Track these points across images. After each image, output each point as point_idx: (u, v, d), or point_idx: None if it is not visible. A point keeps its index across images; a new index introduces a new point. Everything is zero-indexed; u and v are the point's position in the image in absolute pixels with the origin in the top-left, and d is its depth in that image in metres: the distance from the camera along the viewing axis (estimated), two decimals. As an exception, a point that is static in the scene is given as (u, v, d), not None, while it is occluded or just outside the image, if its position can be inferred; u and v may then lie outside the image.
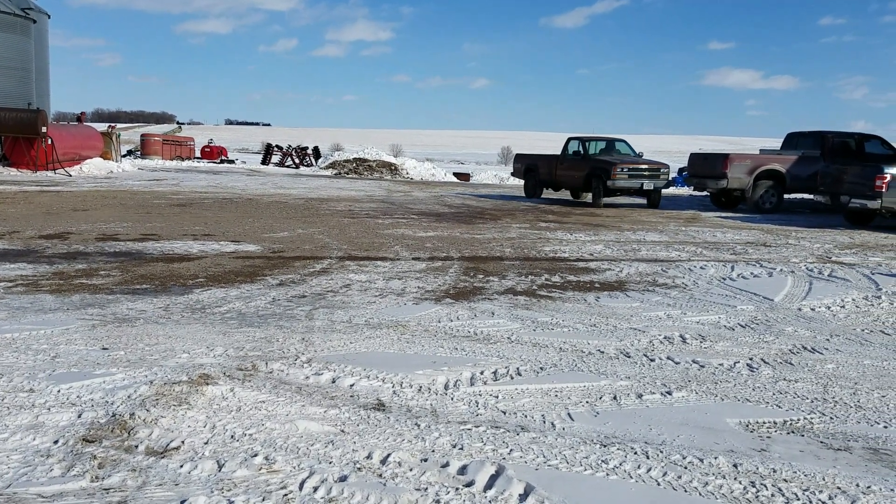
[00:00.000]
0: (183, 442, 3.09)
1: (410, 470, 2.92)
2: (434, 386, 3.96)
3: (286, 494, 2.68)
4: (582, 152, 18.29)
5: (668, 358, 4.66)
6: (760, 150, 19.68)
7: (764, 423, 3.60)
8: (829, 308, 6.32)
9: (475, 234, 11.09)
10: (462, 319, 5.50)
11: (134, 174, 24.14)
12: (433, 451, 3.12)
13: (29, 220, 10.81)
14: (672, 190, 29.57)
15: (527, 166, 20.67)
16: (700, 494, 2.81)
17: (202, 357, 4.30)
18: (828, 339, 5.27)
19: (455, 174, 33.00)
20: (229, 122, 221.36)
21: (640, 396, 3.91)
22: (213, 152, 40.79)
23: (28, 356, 4.19)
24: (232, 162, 39.33)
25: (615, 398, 3.88)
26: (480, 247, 9.61)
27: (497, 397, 3.83)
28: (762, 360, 4.69)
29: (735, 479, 2.94)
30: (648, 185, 17.16)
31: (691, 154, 19.39)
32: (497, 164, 70.47)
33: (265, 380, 3.93)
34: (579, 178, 18.02)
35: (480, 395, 3.86)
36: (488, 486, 2.82)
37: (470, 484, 2.83)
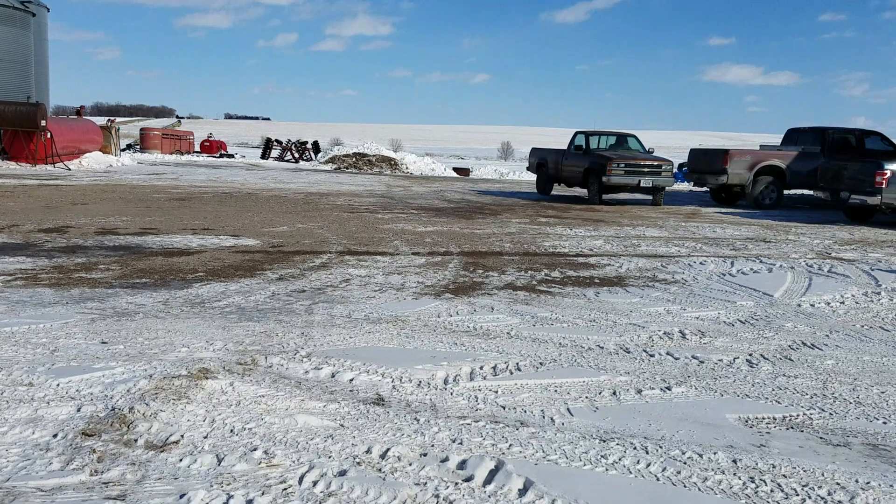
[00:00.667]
0: (182, 436, 3.09)
1: (410, 464, 2.92)
2: (433, 381, 3.96)
3: (285, 488, 2.68)
4: (584, 147, 17.68)
5: (668, 353, 4.66)
6: (760, 145, 19.68)
7: (763, 418, 3.60)
8: (828, 304, 6.32)
9: (475, 229, 11.08)
10: (461, 314, 5.50)
11: (133, 168, 24.12)
12: (432, 445, 3.12)
13: (28, 213, 10.80)
14: (672, 186, 29.58)
15: (538, 161, 19.85)
16: (699, 490, 2.81)
17: (201, 351, 4.30)
18: (827, 335, 5.27)
19: (455, 169, 32.96)
20: (229, 117, 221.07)
21: (639, 392, 3.91)
22: (212, 146, 40.78)
23: (27, 350, 4.19)
24: (231, 156, 39.31)
25: (615, 393, 3.88)
26: (480, 242, 9.61)
27: (496, 392, 3.83)
28: (762, 355, 4.70)
29: (734, 474, 2.94)
30: (646, 181, 16.51)
31: (691, 150, 19.36)
32: (497, 160, 70.42)
33: (265, 374, 3.93)
34: (579, 173, 17.49)
35: (480, 389, 3.86)
36: (488, 480, 2.82)
37: (469, 478, 2.83)
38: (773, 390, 4.03)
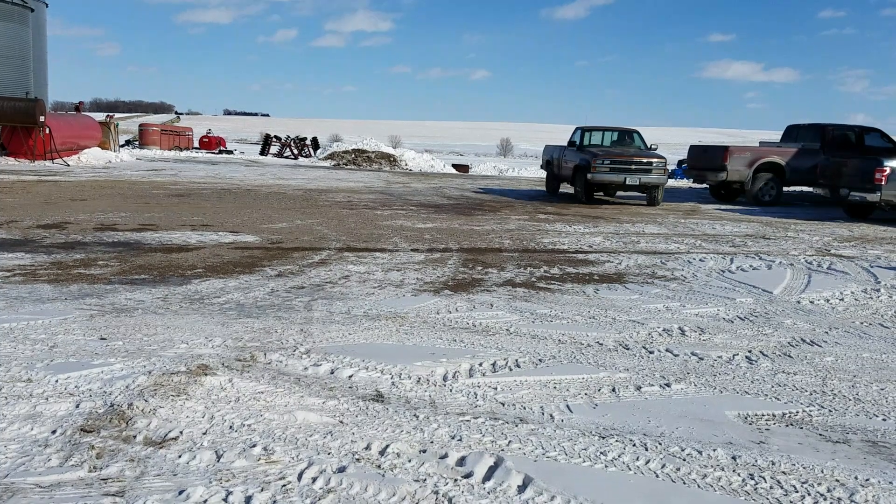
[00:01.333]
0: (181, 432, 3.08)
1: (409, 461, 2.92)
2: (433, 377, 3.96)
3: (285, 485, 2.68)
4: (578, 143, 16.84)
5: (667, 350, 4.66)
6: (760, 142, 19.67)
7: (763, 415, 3.60)
8: (827, 301, 6.32)
9: (474, 225, 11.07)
10: (461, 311, 5.50)
11: (132, 164, 24.08)
12: (432, 442, 3.12)
13: (27, 209, 10.78)
14: (671, 182, 29.58)
15: (547, 159, 18.80)
16: (699, 486, 2.81)
17: (201, 348, 4.29)
18: (826, 332, 5.27)
19: (454, 166, 32.90)
20: (228, 113, 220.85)
21: (638, 388, 3.91)
22: (211, 143, 40.70)
23: (26, 346, 4.18)
24: (230, 152, 39.24)
25: (614, 390, 3.88)
26: (479, 238, 9.60)
27: (496, 389, 3.83)
28: (761, 352, 4.69)
29: (734, 471, 2.94)
30: (632, 179, 15.41)
31: (691, 146, 19.35)
32: (496, 156, 70.38)
33: (264, 371, 3.93)
34: (570, 170, 16.59)
35: (479, 386, 3.86)
36: (487, 477, 2.81)
37: (468, 475, 2.82)
38: (773, 387, 4.02)
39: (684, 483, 2.83)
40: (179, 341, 4.40)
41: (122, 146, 31.13)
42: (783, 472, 2.95)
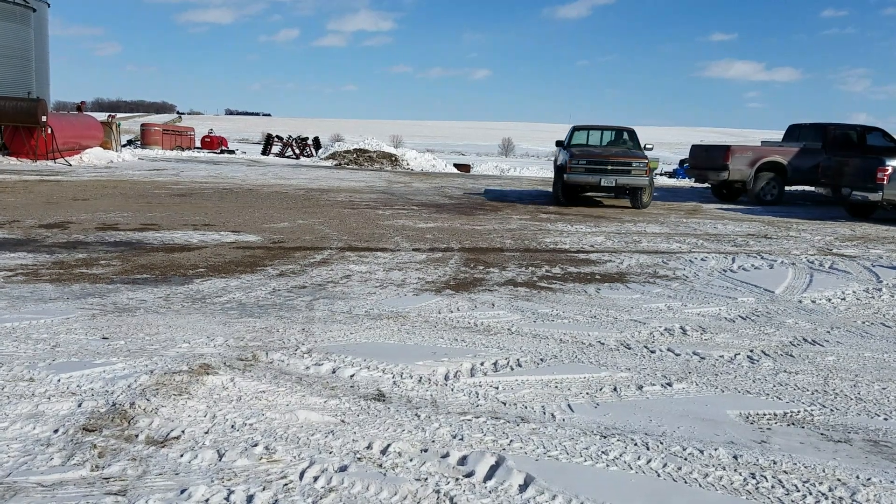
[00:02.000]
0: (183, 431, 3.09)
1: (410, 460, 2.92)
2: (434, 377, 3.96)
3: (286, 484, 2.68)
4: (566, 142, 16.03)
5: (669, 349, 4.65)
6: (762, 141, 19.65)
7: (764, 414, 3.60)
8: (829, 300, 6.32)
9: (475, 225, 11.07)
10: (462, 310, 5.50)
11: (134, 164, 24.11)
12: (433, 441, 3.12)
13: (29, 209, 10.79)
14: (673, 182, 29.56)
15: (555, 158, 17.77)
16: (700, 486, 2.81)
17: (202, 347, 4.30)
18: (828, 332, 5.27)
19: (456, 165, 32.93)
20: (229, 112, 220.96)
21: (640, 388, 3.91)
22: (213, 142, 40.73)
23: (28, 345, 4.19)
24: (232, 152, 39.28)
25: (615, 389, 3.88)
26: (481, 238, 9.60)
27: (497, 388, 3.83)
28: (763, 352, 4.69)
29: (735, 470, 2.94)
30: (608, 181, 14.29)
31: (692, 146, 19.34)
32: (498, 156, 70.37)
33: (265, 370, 3.93)
34: (555, 170, 15.77)
35: (480, 386, 3.86)
36: (488, 476, 2.82)
37: (470, 474, 2.83)
38: (774, 386, 4.02)
39: (686, 482, 2.83)
40: (181, 341, 4.41)
41: (124, 146, 31.16)
42: (785, 472, 2.95)
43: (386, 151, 31.67)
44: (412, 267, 7.26)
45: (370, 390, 3.72)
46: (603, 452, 3.06)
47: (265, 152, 38.23)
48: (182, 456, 2.87)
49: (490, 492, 2.70)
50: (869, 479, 2.92)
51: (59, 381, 3.62)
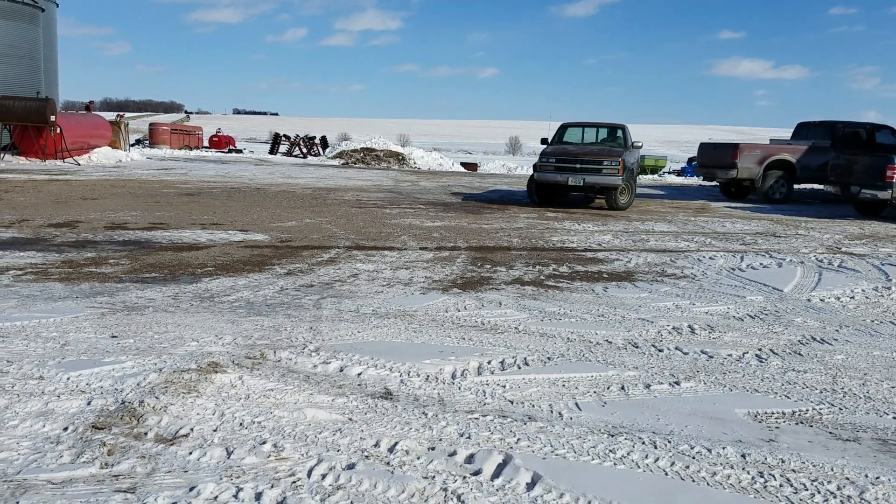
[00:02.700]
0: (192, 429, 3.10)
1: (418, 458, 2.93)
2: (441, 375, 3.97)
3: (294, 482, 2.69)
4: (550, 140, 15.20)
5: (677, 348, 4.64)
6: (770, 139, 19.56)
7: (772, 413, 3.59)
8: (838, 299, 6.29)
9: (482, 224, 11.07)
10: (469, 309, 5.50)
11: (142, 163, 24.20)
12: (440, 439, 3.12)
13: (38, 208, 10.85)
14: (681, 180, 29.48)
15: None
16: (708, 484, 2.80)
17: (211, 345, 4.31)
18: (837, 330, 5.25)
19: (463, 164, 32.90)
20: (237, 112, 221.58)
21: (648, 387, 3.91)
22: (221, 142, 40.86)
23: (38, 344, 4.21)
24: (240, 151, 39.36)
25: (623, 388, 3.87)
26: (488, 237, 9.60)
27: (504, 387, 3.83)
28: (771, 350, 4.68)
29: (743, 469, 2.94)
30: (575, 180, 13.50)
31: (701, 144, 19.27)
32: (505, 154, 70.30)
33: (273, 368, 3.95)
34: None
35: (488, 384, 3.87)
36: (496, 474, 2.82)
37: (477, 472, 2.83)
38: (783, 385, 4.01)
39: (693, 481, 2.83)
40: (190, 339, 4.43)
41: (133, 145, 31.30)
42: (793, 470, 2.94)
43: (393, 150, 31.68)
44: (419, 266, 7.27)
45: (378, 388, 3.72)
46: (610, 451, 3.06)
47: (273, 151, 38.30)
48: (191, 453, 2.88)
49: (497, 490, 2.70)
50: (878, 477, 2.91)
51: (68, 379, 3.65)
